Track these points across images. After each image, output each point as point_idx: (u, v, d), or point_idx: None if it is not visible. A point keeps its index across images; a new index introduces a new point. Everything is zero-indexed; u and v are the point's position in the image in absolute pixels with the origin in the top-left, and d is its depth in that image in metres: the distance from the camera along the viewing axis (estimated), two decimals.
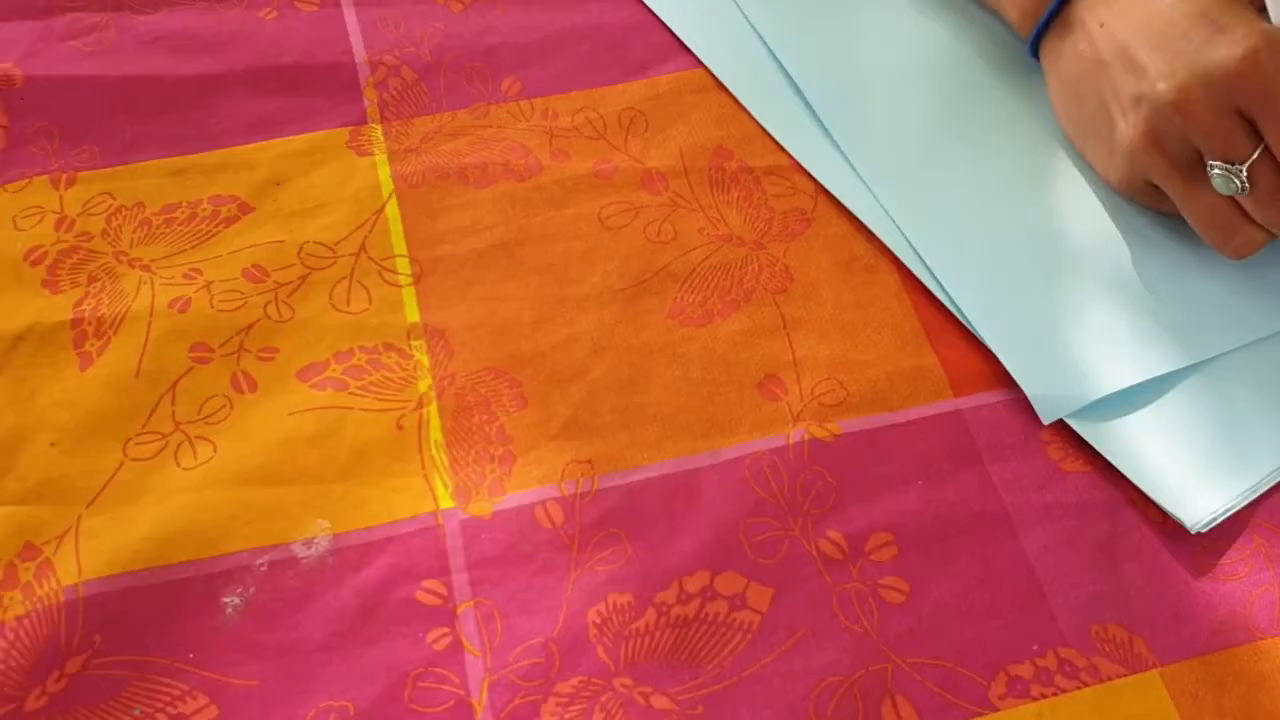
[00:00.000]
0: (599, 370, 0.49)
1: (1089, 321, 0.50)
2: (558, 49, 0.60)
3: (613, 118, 0.58)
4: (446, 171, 0.55)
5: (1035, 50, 0.55)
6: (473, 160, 0.56)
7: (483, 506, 0.46)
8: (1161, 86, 0.47)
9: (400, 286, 0.52)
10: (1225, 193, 0.47)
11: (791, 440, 0.48)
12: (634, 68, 0.59)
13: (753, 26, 0.60)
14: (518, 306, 0.51)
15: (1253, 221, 0.48)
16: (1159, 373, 0.48)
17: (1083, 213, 0.53)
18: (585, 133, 0.57)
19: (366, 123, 0.57)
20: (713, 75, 0.59)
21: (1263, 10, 0.48)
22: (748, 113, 0.58)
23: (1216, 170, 0.47)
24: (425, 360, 0.49)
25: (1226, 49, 0.45)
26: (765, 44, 0.60)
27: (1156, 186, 0.50)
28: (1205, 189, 0.48)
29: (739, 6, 0.61)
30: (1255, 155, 0.46)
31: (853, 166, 0.56)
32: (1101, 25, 0.50)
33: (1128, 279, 0.51)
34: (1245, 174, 0.46)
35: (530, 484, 0.47)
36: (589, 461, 0.47)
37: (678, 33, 0.60)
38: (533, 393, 0.49)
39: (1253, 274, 0.51)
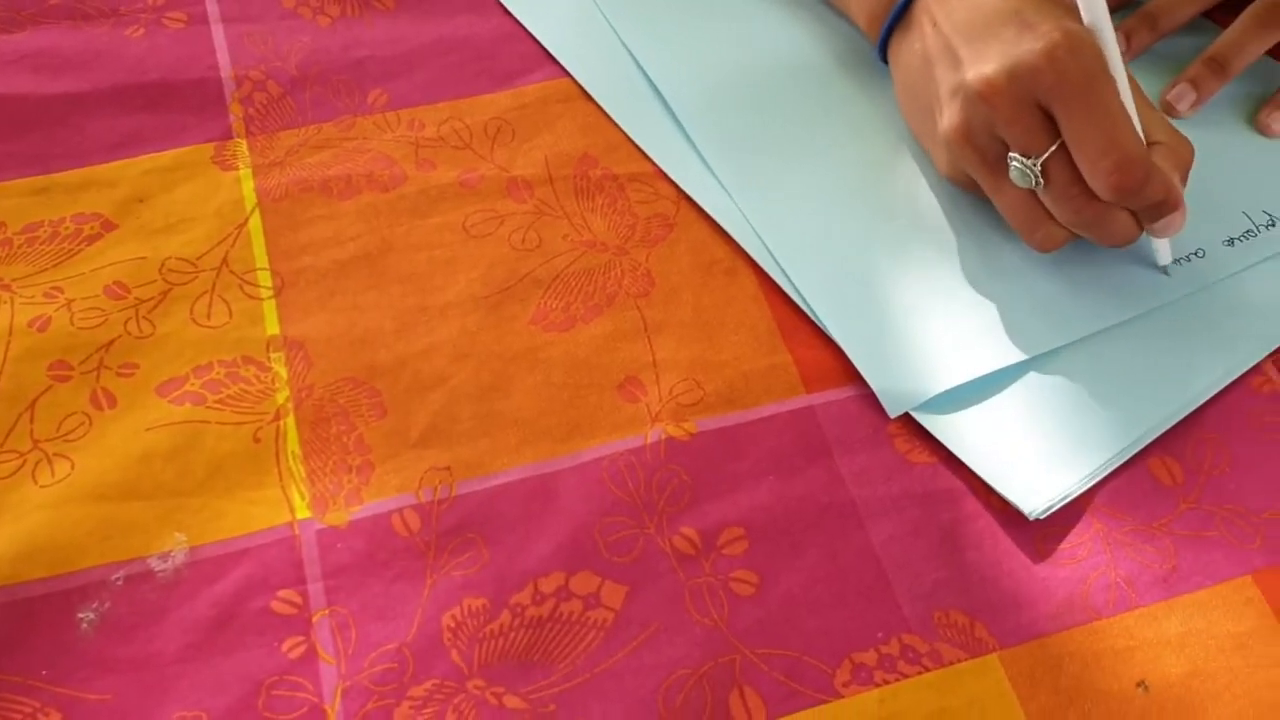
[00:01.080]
0: (460, 377, 0.50)
1: (933, 318, 0.52)
2: (425, 61, 0.61)
3: (479, 127, 0.58)
4: (310, 184, 0.56)
5: (884, 53, 0.57)
6: (337, 172, 0.56)
7: (339, 516, 0.47)
8: (970, 77, 0.48)
9: (261, 300, 0.52)
10: (1022, 186, 0.49)
11: (649, 440, 0.49)
12: (501, 78, 0.60)
13: (619, 36, 0.61)
14: (379, 316, 0.52)
15: (1054, 217, 0.50)
16: (999, 367, 0.50)
17: (929, 213, 0.55)
18: (451, 143, 0.58)
19: (232, 138, 0.57)
20: (579, 85, 0.60)
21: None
22: (613, 121, 0.59)
23: (1015, 163, 0.48)
24: (284, 372, 0.50)
25: (1029, 43, 0.47)
26: (631, 54, 0.61)
27: None
28: (1011, 182, 0.50)
29: (606, 17, 0.62)
30: (1051, 150, 0.47)
31: (714, 172, 0.57)
32: (934, 24, 0.52)
33: (971, 277, 0.53)
34: (1040, 168, 0.48)
35: (388, 492, 0.47)
36: (447, 468, 0.48)
37: (545, 43, 0.61)
38: (392, 402, 0.49)
39: (1087, 272, 0.53)
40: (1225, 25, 0.60)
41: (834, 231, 0.55)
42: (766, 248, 0.54)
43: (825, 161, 0.57)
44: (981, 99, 0.48)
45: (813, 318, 0.52)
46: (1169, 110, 0.59)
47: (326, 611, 0.44)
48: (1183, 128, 0.58)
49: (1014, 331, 0.51)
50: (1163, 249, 0.52)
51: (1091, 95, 0.46)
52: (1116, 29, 0.60)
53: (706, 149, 0.57)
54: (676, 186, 0.57)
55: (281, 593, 0.45)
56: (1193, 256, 0.55)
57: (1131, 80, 0.50)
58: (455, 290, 0.53)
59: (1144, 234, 0.51)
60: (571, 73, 0.60)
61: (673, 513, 0.47)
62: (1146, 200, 0.48)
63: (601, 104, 0.59)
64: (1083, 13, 0.47)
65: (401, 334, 0.51)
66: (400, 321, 0.52)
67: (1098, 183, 0.47)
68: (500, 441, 0.49)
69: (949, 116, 0.50)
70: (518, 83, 0.60)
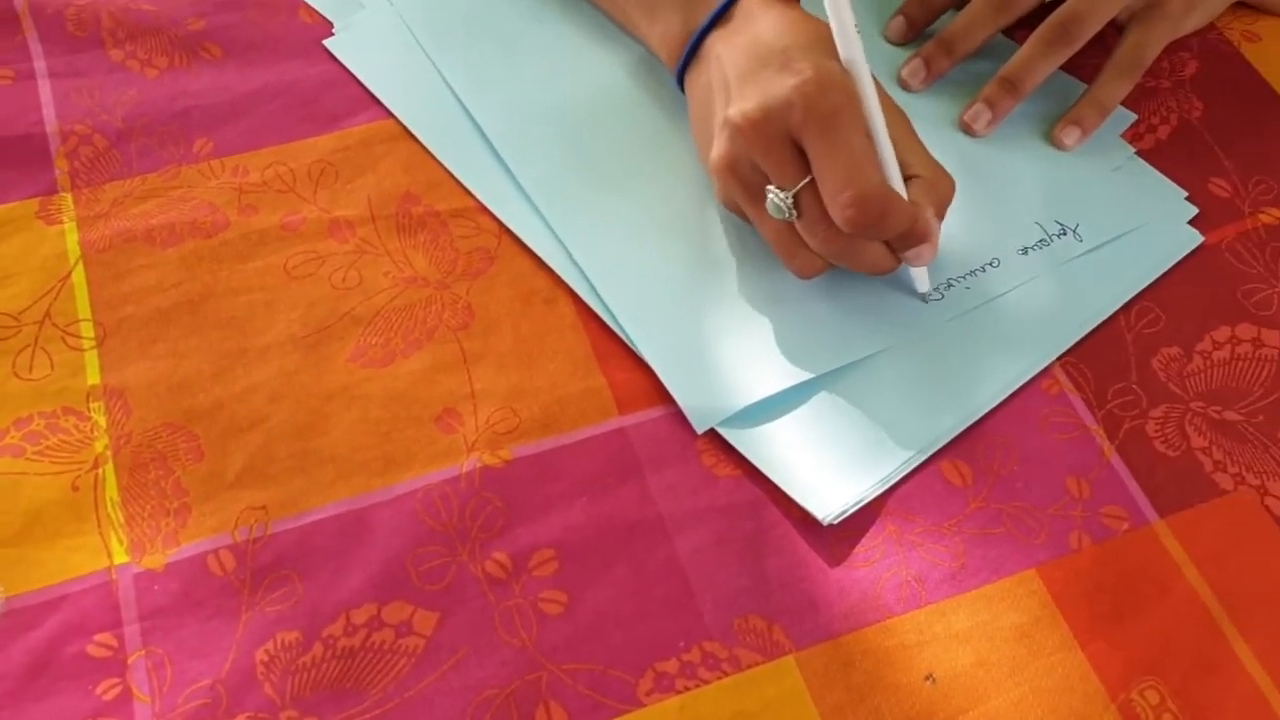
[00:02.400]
0: (277, 418, 0.52)
1: (735, 338, 0.54)
2: (250, 108, 0.62)
3: (303, 171, 0.60)
4: (134, 234, 0.57)
5: (682, 85, 0.59)
6: (160, 221, 0.57)
7: (156, 559, 0.48)
8: (732, 112, 0.51)
9: (83, 350, 0.53)
10: (777, 217, 0.51)
11: (464, 469, 0.51)
12: (325, 121, 0.62)
13: (442, 77, 0.63)
14: (198, 361, 0.53)
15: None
16: (794, 382, 0.52)
17: (730, 238, 0.57)
18: (275, 187, 0.59)
19: (57, 192, 0.58)
20: (402, 125, 0.62)
21: None
22: (436, 159, 0.61)
23: (770, 195, 0.51)
24: (103, 421, 0.51)
25: (785, 81, 0.49)
26: (454, 93, 0.63)
27: None
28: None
29: (430, 58, 0.64)
30: (802, 184, 0.50)
31: (534, 205, 0.59)
32: (718, 60, 0.54)
33: (769, 298, 0.55)
34: (792, 200, 0.50)
35: (204, 533, 0.48)
36: (263, 507, 0.49)
37: (369, 86, 0.63)
38: (209, 444, 0.51)
39: (873, 296, 0.56)
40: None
41: (646, 257, 0.57)
42: (584, 276, 0.56)
43: (639, 190, 0.59)
44: (740, 133, 0.50)
45: (627, 342, 0.55)
46: (967, 129, 0.62)
47: (142, 652, 0.45)
48: (982, 145, 0.62)
49: (808, 350, 0.53)
50: (920, 277, 0.55)
51: (835, 132, 0.49)
52: (916, 55, 0.64)
53: (527, 182, 0.59)
54: (498, 220, 0.59)
55: (98, 636, 0.46)
56: (988, 266, 0.57)
57: (898, 116, 0.53)
58: (274, 332, 0.54)
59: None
60: (395, 113, 0.62)
61: (485, 539, 0.49)
62: (887, 233, 0.51)
63: (424, 143, 0.61)
64: (839, 51, 0.50)
65: (220, 377, 0.52)
66: (219, 365, 0.53)
67: (837, 216, 0.49)
68: (316, 478, 0.50)
69: (716, 148, 0.52)
70: (342, 125, 0.62)
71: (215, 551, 0.48)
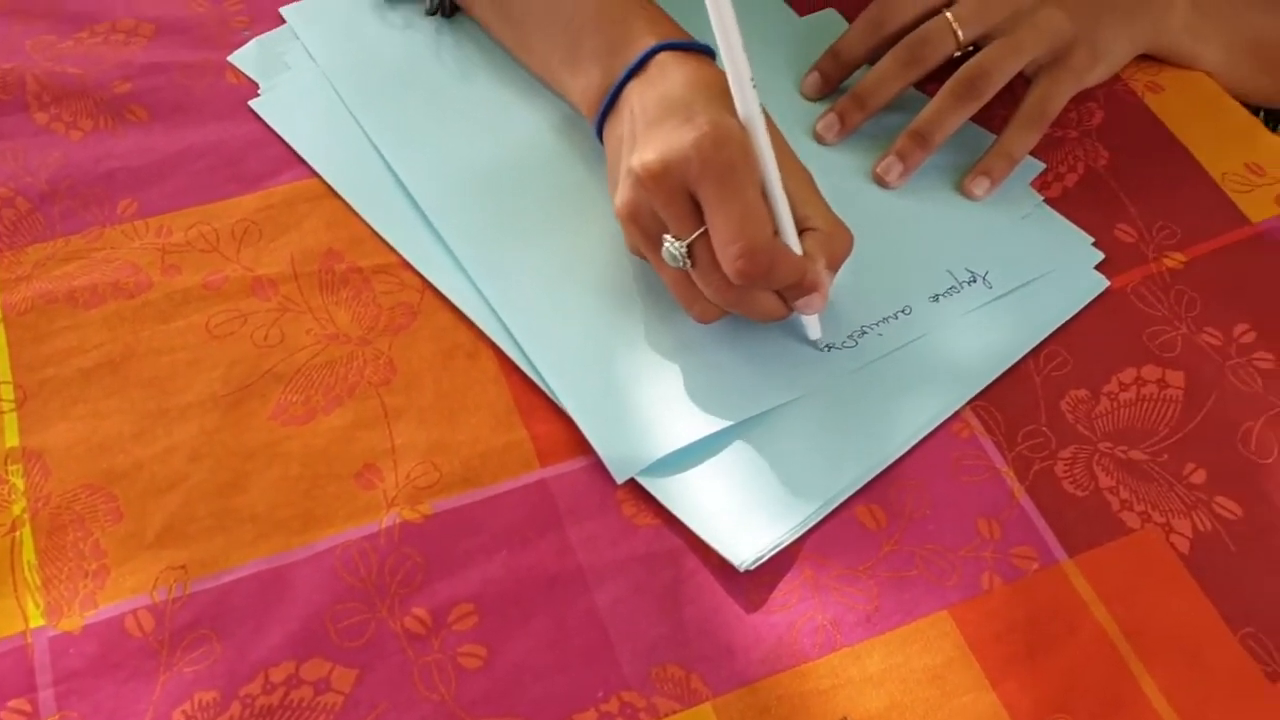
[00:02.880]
0: (197, 477, 0.52)
1: (654, 387, 0.55)
2: (175, 169, 0.63)
3: (226, 230, 0.60)
4: (56, 296, 0.57)
5: (601, 136, 0.60)
6: (83, 283, 0.58)
7: (73, 622, 0.48)
8: (635, 160, 0.52)
9: (2, 413, 0.53)
10: (672, 265, 0.53)
11: (384, 525, 0.51)
12: (250, 181, 0.62)
13: (366, 135, 0.64)
14: (119, 421, 0.53)
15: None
16: (711, 430, 0.53)
17: (646, 287, 0.58)
18: (198, 246, 0.60)
19: None
20: (326, 183, 0.63)
21: None
22: (359, 216, 0.61)
23: (666, 244, 0.52)
24: (21, 484, 0.51)
25: (684, 133, 0.51)
26: (378, 150, 0.64)
27: None
28: None
29: (354, 116, 0.65)
30: (697, 234, 0.52)
31: (456, 259, 0.60)
32: (631, 111, 0.56)
33: (684, 347, 0.56)
34: (686, 250, 0.52)
35: (123, 595, 0.48)
36: (183, 567, 0.49)
37: (294, 145, 0.64)
38: (129, 505, 0.51)
39: (788, 345, 0.57)
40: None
41: (567, 309, 0.58)
42: (506, 329, 0.57)
43: (560, 243, 0.60)
44: (641, 182, 0.52)
45: (549, 394, 0.55)
46: (880, 181, 0.64)
47: (57, 716, 0.45)
48: (894, 195, 0.63)
49: (725, 398, 0.54)
50: (811, 325, 0.56)
51: (728, 186, 0.50)
52: (830, 110, 0.65)
53: (449, 237, 0.60)
54: (420, 275, 0.59)
55: (12, 702, 0.46)
56: (900, 314, 0.59)
57: (797, 169, 0.55)
58: (195, 391, 0.54)
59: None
60: (319, 172, 0.63)
61: (404, 594, 0.49)
62: (775, 285, 0.52)
63: (348, 200, 0.62)
64: (736, 105, 0.51)
65: (140, 438, 0.53)
66: (139, 425, 0.53)
67: (727, 267, 0.51)
68: (236, 537, 0.50)
69: (619, 195, 0.54)
70: (266, 185, 0.62)
71: (134, 612, 0.48)
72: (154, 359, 0.55)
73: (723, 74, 0.54)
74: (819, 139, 0.66)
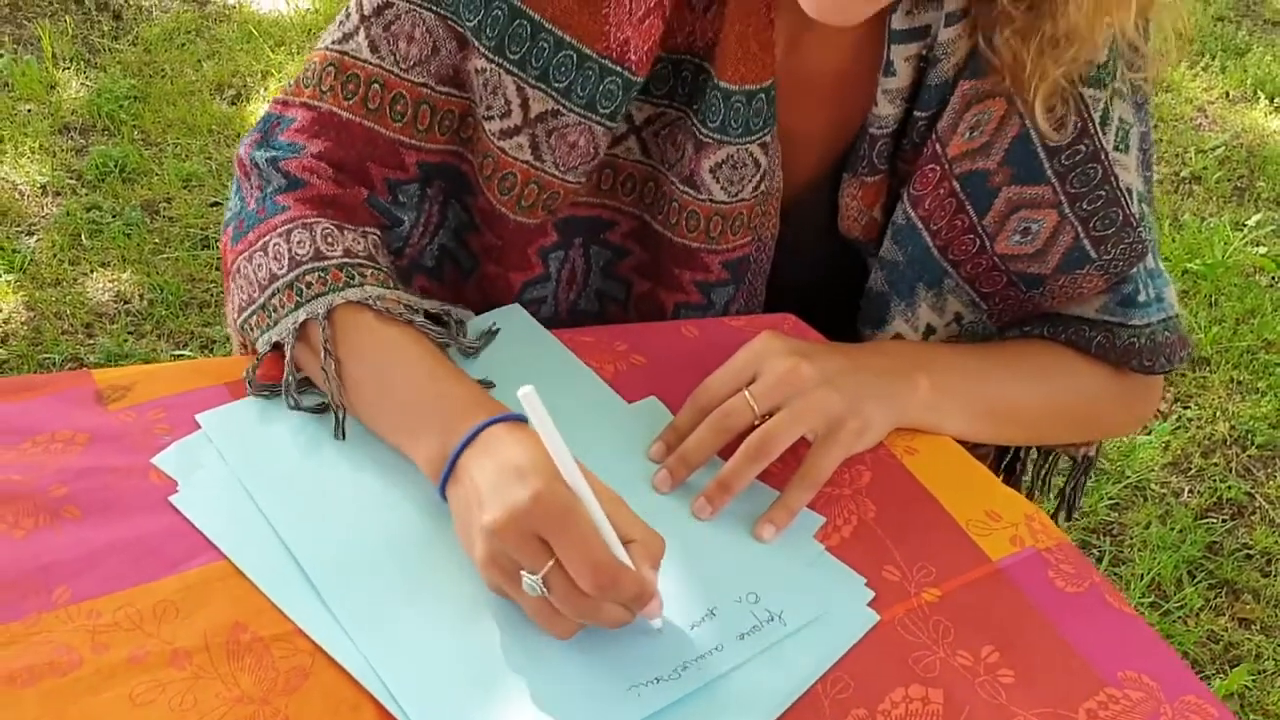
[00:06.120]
0: None
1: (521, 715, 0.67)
2: (105, 558, 0.74)
3: (149, 610, 0.72)
4: None
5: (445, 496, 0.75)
6: (20, 665, 0.68)
7: None
8: (486, 518, 0.68)
9: None
10: (532, 595, 0.67)
11: None
12: (170, 565, 0.74)
13: (269, 522, 0.77)
14: None
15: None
16: None
17: (509, 623, 0.71)
18: (124, 626, 0.71)
19: None
20: (234, 565, 0.75)
21: None
22: (261, 592, 0.73)
23: (525, 578, 0.67)
24: None
25: (524, 490, 0.68)
26: (278, 535, 0.76)
27: None
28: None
29: (258, 506, 0.78)
30: (548, 567, 0.67)
31: (341, 625, 0.71)
32: (471, 475, 0.71)
33: (550, 678, 0.69)
34: (541, 580, 0.66)
35: None
36: None
37: (207, 534, 0.76)
38: None
39: (627, 682, 0.69)
40: None
41: (441, 659, 0.70)
42: (385, 685, 0.69)
43: (433, 602, 0.73)
44: (493, 535, 0.68)
45: None
46: (696, 516, 0.80)
47: None
48: (708, 551, 0.78)
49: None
50: (653, 619, 0.71)
51: (568, 525, 0.67)
52: (663, 468, 0.81)
53: (335, 605, 0.72)
54: (313, 641, 0.71)
55: None
56: (714, 651, 0.72)
57: (611, 497, 0.71)
58: None
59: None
60: (228, 555, 0.75)
61: None
62: (621, 596, 0.67)
63: (252, 579, 0.74)
64: (561, 471, 0.68)
65: None
66: None
67: (583, 584, 0.66)
68: None
69: (478, 550, 0.69)
70: (183, 568, 0.74)
71: None
72: None
73: (541, 444, 0.70)
74: (656, 489, 0.81)
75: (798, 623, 0.74)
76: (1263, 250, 2.52)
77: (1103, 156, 0.85)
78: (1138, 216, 0.88)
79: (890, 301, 0.93)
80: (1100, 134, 0.85)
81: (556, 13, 0.83)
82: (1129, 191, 0.87)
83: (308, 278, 0.83)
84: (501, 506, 0.68)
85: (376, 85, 0.87)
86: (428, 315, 0.86)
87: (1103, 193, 0.87)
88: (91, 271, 2.18)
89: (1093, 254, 0.89)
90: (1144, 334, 0.92)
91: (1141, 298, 0.91)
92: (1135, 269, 0.90)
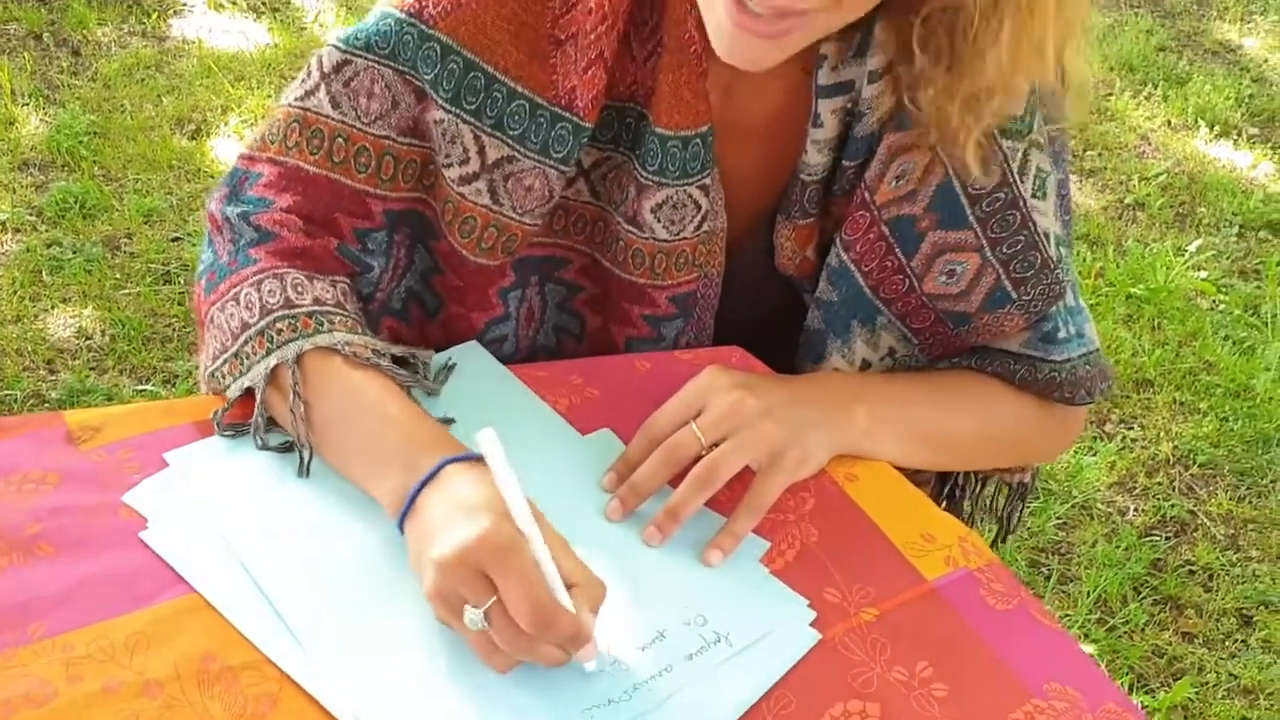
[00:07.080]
0: None
1: None
2: (79, 593, 0.77)
3: (121, 642, 0.75)
4: None
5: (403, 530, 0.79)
6: None
7: None
8: (434, 552, 0.72)
9: None
10: (474, 628, 0.71)
11: None
12: (141, 599, 0.77)
13: (236, 555, 0.80)
14: None
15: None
16: None
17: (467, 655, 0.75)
18: (98, 658, 0.74)
19: None
20: (203, 597, 0.78)
21: None
22: (230, 623, 0.76)
23: (467, 612, 0.71)
24: None
25: (472, 527, 0.71)
26: (245, 568, 0.80)
27: None
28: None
29: (226, 540, 0.81)
30: (490, 603, 0.70)
31: (309, 655, 0.75)
32: (428, 511, 0.75)
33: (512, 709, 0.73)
34: (483, 615, 0.70)
35: None
36: None
37: (176, 568, 0.79)
38: None
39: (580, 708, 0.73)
40: None
41: (402, 685, 0.73)
42: (349, 710, 0.72)
43: (395, 626, 0.76)
44: (440, 569, 0.71)
45: None
46: (647, 542, 0.83)
47: None
48: (658, 575, 0.82)
49: None
50: (586, 662, 0.74)
51: (510, 563, 0.70)
52: (615, 497, 0.85)
53: (301, 634, 0.76)
54: (280, 669, 0.74)
55: None
56: (664, 671, 0.76)
57: (559, 542, 0.74)
58: None
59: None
60: (197, 588, 0.78)
61: None
62: (559, 635, 0.71)
63: (221, 610, 0.77)
64: (511, 511, 0.72)
65: None
66: None
67: (521, 622, 0.69)
68: None
69: (427, 582, 0.73)
70: (154, 601, 0.77)
71: None
72: None
73: (493, 484, 0.74)
74: (608, 518, 0.85)
75: (743, 643, 0.78)
76: (1204, 274, 2.60)
77: (1021, 204, 0.90)
78: (1055, 259, 0.93)
79: (827, 338, 0.98)
80: (1018, 182, 0.90)
81: (508, 65, 0.88)
82: (1047, 236, 0.92)
83: (279, 325, 0.86)
84: (449, 542, 0.72)
85: (340, 139, 0.91)
86: (393, 359, 0.89)
87: (1021, 237, 0.92)
88: (53, 308, 2.20)
89: (1013, 294, 0.94)
90: (1064, 369, 0.97)
91: (1061, 334, 0.96)
92: (1054, 308, 0.95)
